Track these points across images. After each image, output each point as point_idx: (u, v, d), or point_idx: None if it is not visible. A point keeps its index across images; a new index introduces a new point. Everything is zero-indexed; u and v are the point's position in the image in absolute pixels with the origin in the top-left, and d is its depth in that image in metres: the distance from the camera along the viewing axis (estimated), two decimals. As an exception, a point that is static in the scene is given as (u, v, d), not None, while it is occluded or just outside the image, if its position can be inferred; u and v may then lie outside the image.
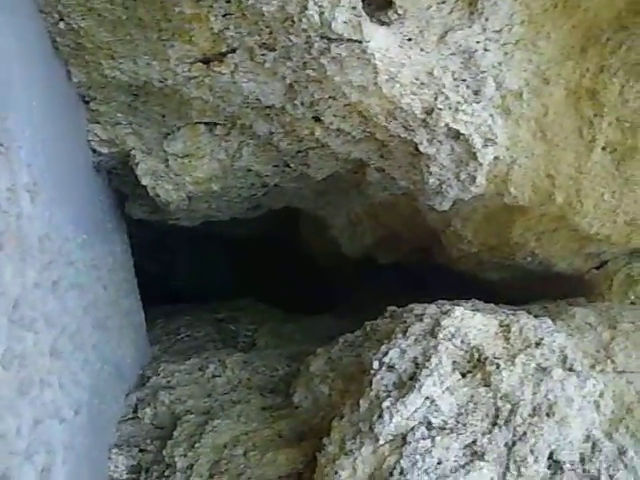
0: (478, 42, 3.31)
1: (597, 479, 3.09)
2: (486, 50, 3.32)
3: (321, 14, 2.97)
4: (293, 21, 3.00)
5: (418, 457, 2.96)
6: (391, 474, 2.94)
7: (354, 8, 3.00)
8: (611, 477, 3.12)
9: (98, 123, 3.72)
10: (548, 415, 3.19)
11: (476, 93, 3.34)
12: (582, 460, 3.19)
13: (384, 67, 3.15)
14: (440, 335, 3.29)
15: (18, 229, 2.49)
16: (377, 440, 3.05)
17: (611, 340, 3.74)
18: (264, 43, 3.17)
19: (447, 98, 3.30)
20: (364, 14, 3.05)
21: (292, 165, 4.07)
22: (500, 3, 3.22)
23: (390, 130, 3.46)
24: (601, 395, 3.39)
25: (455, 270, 4.94)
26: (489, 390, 3.16)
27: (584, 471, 3.15)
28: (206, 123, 3.78)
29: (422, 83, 3.26)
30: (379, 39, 3.13)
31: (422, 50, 3.22)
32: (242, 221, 5.12)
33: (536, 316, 3.69)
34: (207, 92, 3.45)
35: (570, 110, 3.54)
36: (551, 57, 3.43)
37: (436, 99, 3.30)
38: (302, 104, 3.47)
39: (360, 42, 3.08)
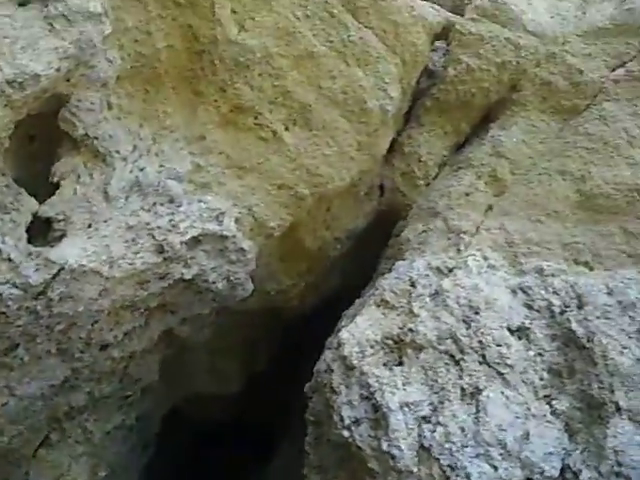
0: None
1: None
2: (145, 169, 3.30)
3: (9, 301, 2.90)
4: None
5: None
6: None
7: (30, 254, 2.93)
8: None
9: None
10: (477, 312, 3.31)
11: (173, 226, 3.36)
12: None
13: (97, 265, 3.10)
14: (348, 365, 3.39)
15: None
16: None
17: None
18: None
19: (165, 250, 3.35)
20: (40, 249, 2.99)
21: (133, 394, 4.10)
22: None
23: (159, 296, 3.51)
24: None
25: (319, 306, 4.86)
26: (425, 352, 3.24)
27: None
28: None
29: (136, 252, 3.28)
30: (67, 248, 3.07)
31: (105, 237, 3.20)
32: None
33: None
34: None
35: (229, 131, 3.59)
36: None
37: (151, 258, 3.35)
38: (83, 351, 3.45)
39: (63, 267, 3.00)
